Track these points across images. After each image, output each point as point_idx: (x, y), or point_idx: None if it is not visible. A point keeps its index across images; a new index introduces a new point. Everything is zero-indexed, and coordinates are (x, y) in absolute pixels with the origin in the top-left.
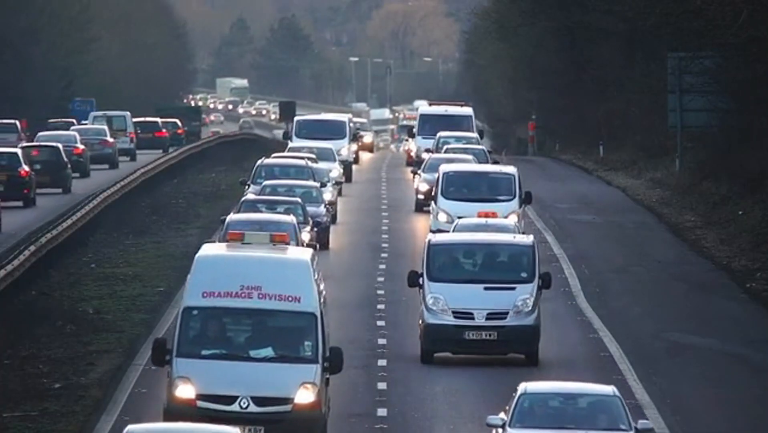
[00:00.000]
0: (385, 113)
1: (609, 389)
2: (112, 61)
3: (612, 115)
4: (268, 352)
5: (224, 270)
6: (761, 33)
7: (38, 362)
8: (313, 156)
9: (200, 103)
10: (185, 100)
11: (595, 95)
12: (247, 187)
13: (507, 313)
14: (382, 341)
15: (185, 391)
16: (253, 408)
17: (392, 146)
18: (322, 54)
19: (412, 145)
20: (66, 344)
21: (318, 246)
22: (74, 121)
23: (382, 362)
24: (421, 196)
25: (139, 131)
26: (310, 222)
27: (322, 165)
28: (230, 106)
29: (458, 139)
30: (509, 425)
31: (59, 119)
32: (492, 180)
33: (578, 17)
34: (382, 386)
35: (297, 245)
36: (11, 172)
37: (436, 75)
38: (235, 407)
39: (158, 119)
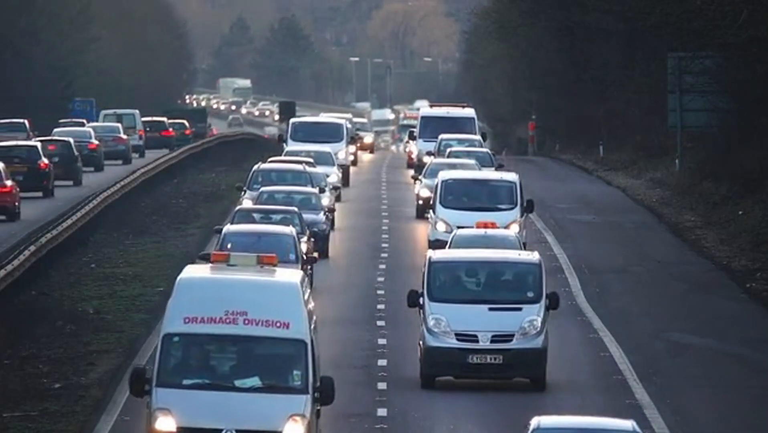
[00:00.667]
0: (387, 114)
1: (628, 424)
2: (112, 61)
3: (612, 115)
4: (255, 382)
5: (208, 294)
6: (761, 33)
7: (38, 362)
8: (311, 160)
9: (203, 104)
10: (188, 101)
11: (595, 95)
12: (243, 192)
13: (513, 335)
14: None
15: (165, 424)
16: None
17: (392, 147)
18: (322, 54)
19: (413, 148)
20: (66, 344)
21: (317, 256)
22: (84, 121)
23: (381, 386)
24: (422, 203)
25: (148, 130)
26: (307, 232)
27: (320, 169)
28: (233, 107)
29: (461, 141)
30: None
31: (69, 119)
32: (492, 188)
33: (578, 17)
34: (382, 386)
35: (297, 257)
36: (31, 164)
37: (436, 75)
38: None
39: (165, 119)
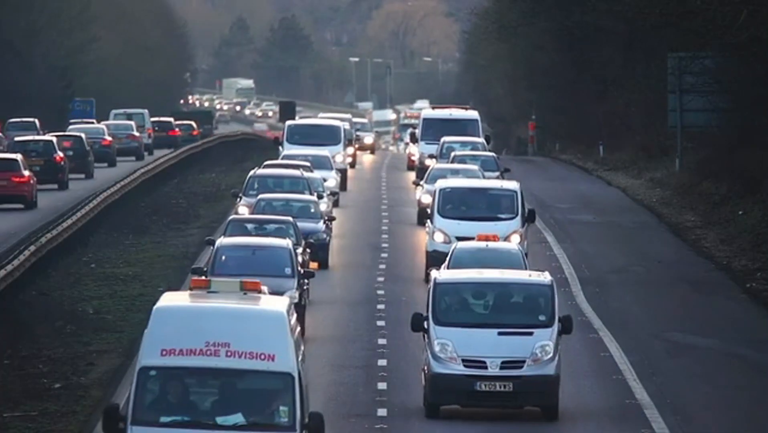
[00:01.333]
0: (388, 114)
1: None
2: (112, 61)
3: (612, 115)
4: (238, 419)
5: (187, 324)
6: (761, 33)
7: (38, 362)
8: (308, 164)
9: (206, 104)
10: (191, 101)
11: (595, 95)
12: (238, 199)
13: (524, 361)
14: (381, 385)
15: None
16: None
17: (392, 147)
18: (322, 54)
19: (415, 150)
20: (66, 344)
21: (317, 266)
22: (94, 121)
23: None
24: (423, 208)
25: (156, 129)
26: (303, 243)
27: (318, 174)
28: (237, 108)
29: (464, 144)
30: None
31: (80, 120)
32: (492, 197)
33: (578, 17)
34: (382, 386)
35: (293, 272)
36: (47, 157)
37: (436, 75)
38: None
39: (171, 119)
